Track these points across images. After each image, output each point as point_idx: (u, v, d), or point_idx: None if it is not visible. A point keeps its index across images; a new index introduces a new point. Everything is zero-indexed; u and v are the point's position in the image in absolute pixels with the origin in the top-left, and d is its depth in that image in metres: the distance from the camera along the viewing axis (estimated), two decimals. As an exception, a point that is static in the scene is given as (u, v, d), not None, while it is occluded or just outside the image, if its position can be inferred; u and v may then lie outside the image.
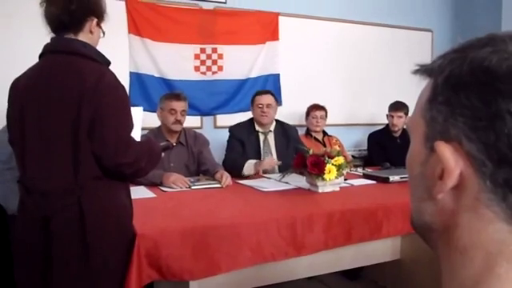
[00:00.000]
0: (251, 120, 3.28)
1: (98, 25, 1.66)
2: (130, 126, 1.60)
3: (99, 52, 1.64)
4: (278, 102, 3.44)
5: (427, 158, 0.45)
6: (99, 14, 1.65)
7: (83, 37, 1.61)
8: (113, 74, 1.58)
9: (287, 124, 3.39)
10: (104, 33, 1.71)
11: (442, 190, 0.43)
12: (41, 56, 1.63)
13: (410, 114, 3.71)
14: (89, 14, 1.61)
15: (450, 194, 0.43)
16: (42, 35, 1.64)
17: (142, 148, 1.66)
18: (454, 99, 0.42)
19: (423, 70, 0.47)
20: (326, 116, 3.78)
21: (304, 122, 3.84)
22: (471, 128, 0.40)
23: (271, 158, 3.03)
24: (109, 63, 1.66)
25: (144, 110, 3.35)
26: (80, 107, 1.48)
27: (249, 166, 2.94)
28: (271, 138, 3.26)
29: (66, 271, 1.53)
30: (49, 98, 1.52)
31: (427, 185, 0.45)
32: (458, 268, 0.44)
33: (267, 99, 3.19)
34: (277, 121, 3.32)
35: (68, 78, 1.52)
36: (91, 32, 1.63)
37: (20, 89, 1.59)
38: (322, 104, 3.77)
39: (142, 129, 2.95)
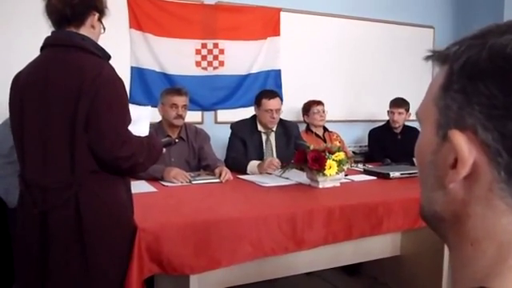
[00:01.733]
0: (253, 118, 3.25)
1: (99, 20, 1.66)
2: (127, 121, 1.59)
3: (99, 45, 1.64)
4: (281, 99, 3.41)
5: (439, 146, 0.44)
6: (100, 9, 1.65)
7: (84, 31, 1.61)
8: (111, 68, 1.58)
9: (288, 121, 3.37)
10: (105, 28, 1.71)
11: (454, 179, 0.42)
12: (42, 49, 1.63)
13: (410, 110, 3.72)
14: (90, 9, 1.61)
15: (461, 183, 0.42)
16: (41, 32, 1.65)
17: (142, 143, 1.64)
18: (470, 87, 0.40)
19: (436, 57, 0.46)
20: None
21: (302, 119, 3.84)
22: (488, 117, 0.39)
23: (271, 160, 2.95)
24: (109, 57, 1.66)
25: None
26: (77, 101, 1.48)
27: (252, 167, 2.93)
28: (273, 137, 3.24)
29: (63, 266, 1.53)
30: (47, 93, 1.52)
31: (438, 174, 0.44)
32: (469, 259, 0.43)
33: (276, 104, 3.13)
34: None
35: (66, 72, 1.52)
36: (93, 27, 1.63)
37: (20, 84, 1.59)
38: (323, 100, 3.77)
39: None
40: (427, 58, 0.47)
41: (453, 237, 0.46)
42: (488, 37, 0.41)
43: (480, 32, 0.43)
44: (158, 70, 3.65)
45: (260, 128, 3.21)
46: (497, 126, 0.39)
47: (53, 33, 1.62)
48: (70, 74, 1.51)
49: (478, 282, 0.41)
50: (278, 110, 3.15)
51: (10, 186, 2.23)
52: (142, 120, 1.72)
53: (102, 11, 1.66)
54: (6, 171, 2.32)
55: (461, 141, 0.41)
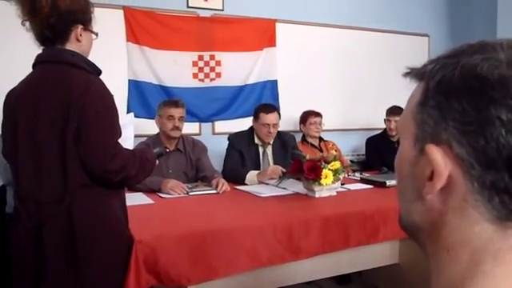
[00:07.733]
0: (251, 130, 3.26)
1: (87, 29, 1.65)
2: (117, 134, 1.60)
3: (89, 61, 1.65)
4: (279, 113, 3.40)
5: (417, 159, 0.46)
6: (83, 19, 1.63)
7: (71, 46, 1.61)
8: (101, 83, 1.59)
9: (285, 133, 3.39)
10: (97, 34, 1.70)
11: (431, 191, 0.44)
12: (34, 66, 1.65)
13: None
14: (71, 24, 1.60)
15: (438, 194, 0.44)
16: (37, 49, 1.65)
17: (133, 156, 1.65)
18: (445, 104, 0.43)
19: (414, 74, 0.48)
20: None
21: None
22: (461, 132, 0.41)
23: (275, 167, 2.96)
24: (99, 72, 1.66)
25: (143, 118, 3.39)
26: (67, 116, 1.50)
27: (251, 177, 2.94)
28: (269, 150, 3.26)
29: (58, 279, 1.54)
30: (38, 109, 1.53)
31: (416, 185, 0.47)
32: (445, 266, 0.45)
33: (273, 118, 3.15)
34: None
35: (56, 88, 1.53)
36: (78, 40, 1.62)
37: (12, 100, 1.61)
38: (319, 109, 3.80)
39: (141, 136, 2.96)
40: (405, 74, 0.49)
41: (430, 245, 0.48)
42: (461, 56, 0.43)
43: (454, 51, 0.45)
44: (155, 82, 3.68)
45: (257, 141, 3.23)
46: (470, 141, 0.41)
47: (44, 50, 1.63)
48: (59, 89, 1.53)
49: (452, 286, 0.43)
50: (276, 125, 3.17)
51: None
52: (126, 126, 1.74)
53: (86, 21, 1.64)
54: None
55: (437, 155, 0.43)
